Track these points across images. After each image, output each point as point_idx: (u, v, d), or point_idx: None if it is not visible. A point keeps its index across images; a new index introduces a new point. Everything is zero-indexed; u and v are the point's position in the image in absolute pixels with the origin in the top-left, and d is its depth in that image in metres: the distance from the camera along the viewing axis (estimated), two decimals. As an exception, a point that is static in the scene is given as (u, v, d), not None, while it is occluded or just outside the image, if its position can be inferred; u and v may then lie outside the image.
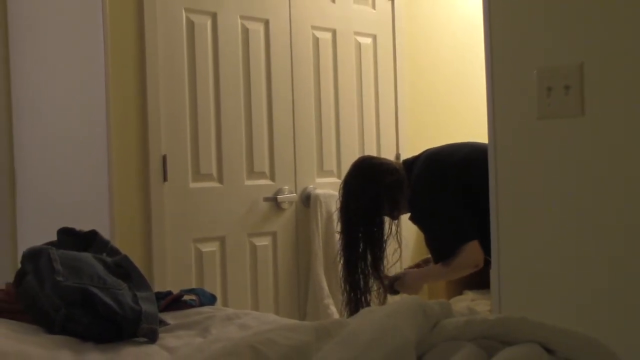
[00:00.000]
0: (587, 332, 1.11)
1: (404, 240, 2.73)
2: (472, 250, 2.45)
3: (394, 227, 2.64)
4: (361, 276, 2.58)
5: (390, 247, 2.66)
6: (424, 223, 2.61)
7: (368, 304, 2.59)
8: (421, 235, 2.78)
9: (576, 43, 1.70)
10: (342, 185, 2.64)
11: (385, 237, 2.61)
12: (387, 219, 2.64)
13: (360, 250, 2.58)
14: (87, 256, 1.72)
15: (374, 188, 2.54)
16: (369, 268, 2.59)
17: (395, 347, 0.98)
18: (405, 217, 2.71)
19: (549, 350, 1.06)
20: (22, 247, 2.25)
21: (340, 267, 2.67)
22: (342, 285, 2.63)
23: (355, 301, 2.58)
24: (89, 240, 1.86)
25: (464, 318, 1.12)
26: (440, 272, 2.61)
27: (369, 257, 2.59)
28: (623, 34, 1.63)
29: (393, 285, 2.65)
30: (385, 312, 1.10)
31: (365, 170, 2.60)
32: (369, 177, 2.57)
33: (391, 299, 2.71)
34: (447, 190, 2.48)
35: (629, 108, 1.63)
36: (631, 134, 1.63)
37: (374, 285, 2.62)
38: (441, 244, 2.53)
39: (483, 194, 1.92)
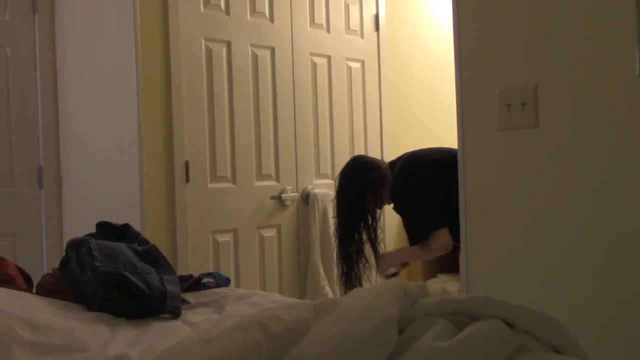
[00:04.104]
0: (540, 308, 1.11)
1: (386, 228, 2.72)
2: (442, 236, 2.45)
3: (378, 214, 2.64)
4: (351, 251, 2.58)
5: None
6: (402, 212, 2.62)
7: (356, 275, 2.59)
8: (402, 222, 2.78)
9: (531, 68, 1.70)
10: (337, 177, 2.65)
11: (370, 222, 2.61)
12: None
13: (349, 231, 2.59)
14: (121, 245, 1.70)
15: (360, 180, 2.56)
16: (357, 245, 2.60)
17: (381, 322, 0.98)
18: (390, 207, 2.71)
19: (509, 325, 1.06)
20: (67, 238, 2.25)
21: (334, 245, 2.68)
22: (336, 260, 2.65)
23: (345, 272, 2.59)
24: (122, 232, 1.84)
25: (438, 297, 1.11)
26: (414, 254, 2.64)
27: (356, 236, 2.59)
28: (570, 61, 1.63)
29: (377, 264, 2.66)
30: (373, 292, 1.09)
31: (356, 166, 2.63)
32: (358, 171, 2.59)
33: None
34: (421, 184, 2.48)
35: (574, 122, 1.63)
36: (576, 143, 1.63)
37: (361, 259, 2.62)
38: (416, 230, 2.53)
39: (453, 188, 1.92)
